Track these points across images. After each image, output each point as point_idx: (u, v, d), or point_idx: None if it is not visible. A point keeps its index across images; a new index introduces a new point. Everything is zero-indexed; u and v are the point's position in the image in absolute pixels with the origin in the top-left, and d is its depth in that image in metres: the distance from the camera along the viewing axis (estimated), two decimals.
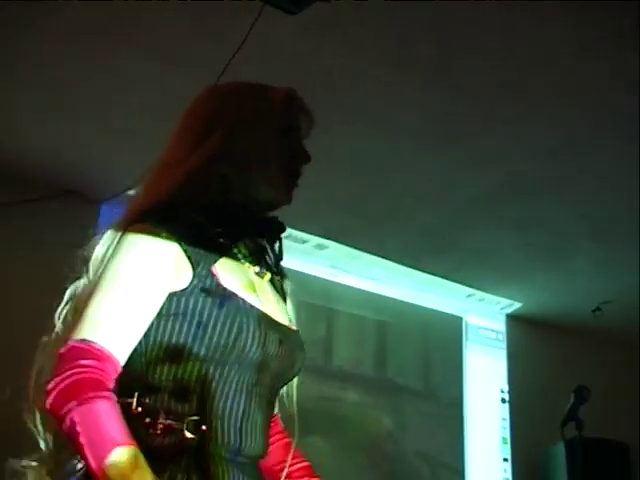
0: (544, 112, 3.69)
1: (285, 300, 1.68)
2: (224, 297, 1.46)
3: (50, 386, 1.32)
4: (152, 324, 1.44)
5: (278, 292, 1.66)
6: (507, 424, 6.10)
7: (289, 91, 1.67)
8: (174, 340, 1.45)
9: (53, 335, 1.53)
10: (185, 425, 1.40)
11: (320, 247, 5.13)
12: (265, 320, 1.49)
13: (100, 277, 1.45)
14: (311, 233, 4.94)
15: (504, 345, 6.30)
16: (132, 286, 1.42)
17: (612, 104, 3.59)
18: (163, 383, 1.44)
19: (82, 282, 1.54)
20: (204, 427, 1.41)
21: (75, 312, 1.50)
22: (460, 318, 6.15)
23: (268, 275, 1.63)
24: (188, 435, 1.40)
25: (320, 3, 2.74)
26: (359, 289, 5.47)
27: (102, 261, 1.50)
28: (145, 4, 2.97)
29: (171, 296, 1.45)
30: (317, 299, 5.29)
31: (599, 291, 5.67)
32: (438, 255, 5.25)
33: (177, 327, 1.45)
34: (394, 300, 5.76)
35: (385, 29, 3.11)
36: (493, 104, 3.65)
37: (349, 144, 3.99)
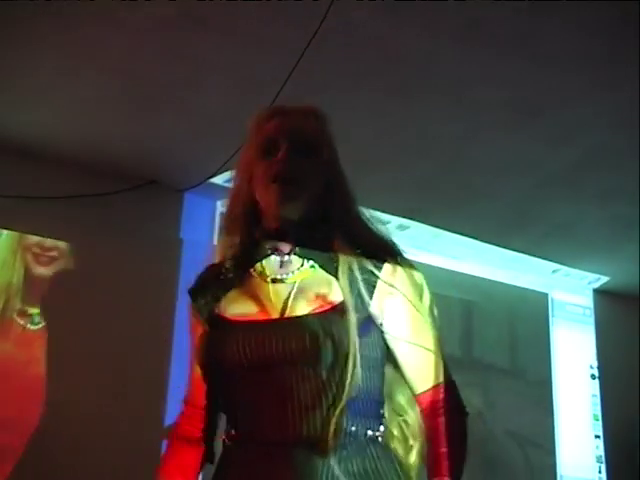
0: (628, 82, 3.61)
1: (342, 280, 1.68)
2: (218, 325, 1.69)
3: None
4: None
5: (324, 277, 1.69)
6: (598, 400, 6.02)
7: (259, 114, 1.78)
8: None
9: None
10: (231, 432, 1.67)
11: (402, 228, 5.12)
12: (242, 327, 1.65)
13: None
14: (392, 214, 4.94)
15: (592, 320, 6.20)
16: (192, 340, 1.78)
17: None
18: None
19: None
20: (239, 428, 1.65)
21: None
22: (546, 294, 6.08)
23: (293, 275, 1.70)
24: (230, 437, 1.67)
25: None
26: (442, 268, 5.46)
27: None
28: None
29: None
30: None
31: None
32: (521, 231, 5.20)
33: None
34: (478, 278, 5.73)
35: (461, 2, 3.08)
36: (574, 75, 3.59)
37: (429, 123, 3.99)
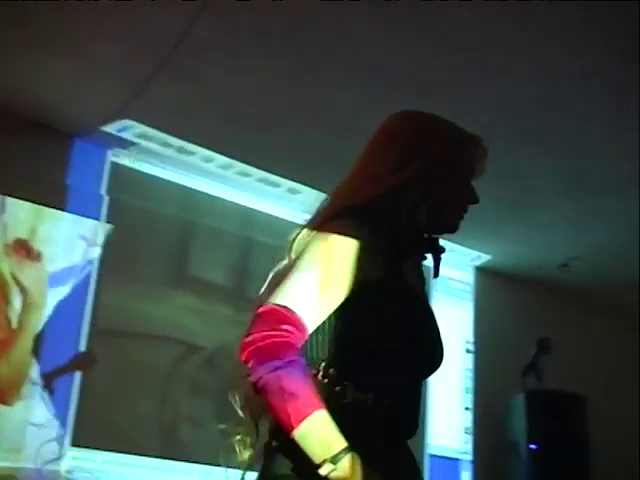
0: (519, 65, 3.69)
1: None
2: (408, 292, 1.69)
3: (248, 339, 1.47)
4: (343, 307, 1.59)
5: None
6: (470, 374, 6.19)
7: (479, 140, 1.86)
8: (363, 324, 1.61)
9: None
10: (368, 399, 1.57)
11: (292, 192, 5.14)
12: (431, 315, 1.72)
13: (300, 257, 1.62)
14: (284, 177, 4.95)
15: (471, 297, 6.36)
16: (329, 268, 1.57)
17: (588, 59, 3.61)
18: (350, 360, 1.60)
19: (283, 263, 1.72)
20: (386, 402, 1.58)
21: (275, 286, 1.62)
22: (428, 268, 6.18)
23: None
24: (374, 407, 1.57)
25: None
26: None
27: (303, 244, 1.67)
28: None
29: (362, 285, 1.59)
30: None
31: (568, 247, 5.73)
32: None
33: (367, 313, 1.61)
34: None
35: None
36: (472, 56, 3.65)
37: (328, 89, 3.99)
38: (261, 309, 1.52)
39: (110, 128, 4.49)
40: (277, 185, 5.05)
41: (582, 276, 6.16)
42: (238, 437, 1.68)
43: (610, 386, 6.25)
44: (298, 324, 1.50)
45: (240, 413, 1.67)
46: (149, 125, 4.47)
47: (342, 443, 1.42)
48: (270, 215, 5.31)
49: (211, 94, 4.09)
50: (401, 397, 1.64)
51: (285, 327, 1.48)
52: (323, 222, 1.67)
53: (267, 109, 4.19)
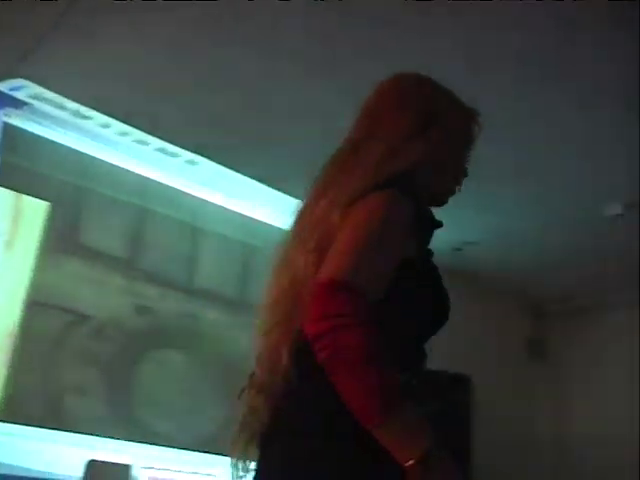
0: (433, 42, 3.72)
1: None
2: (438, 271, 1.70)
3: (320, 326, 1.37)
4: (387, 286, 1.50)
5: None
6: None
7: (478, 114, 1.87)
8: (410, 305, 1.57)
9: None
10: (407, 379, 1.49)
11: (191, 163, 5.08)
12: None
13: (352, 226, 1.51)
14: (183, 148, 4.88)
15: None
16: (384, 236, 1.50)
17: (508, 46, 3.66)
18: (395, 340, 1.47)
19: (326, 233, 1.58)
20: (414, 381, 1.56)
21: (319, 254, 1.54)
22: None
23: None
24: (410, 387, 1.50)
25: None
26: (227, 209, 5.46)
27: (342, 217, 1.56)
28: None
29: (405, 260, 1.55)
30: (185, 216, 5.27)
31: (464, 231, 5.84)
32: (307, 181, 5.25)
33: (414, 292, 1.57)
34: (262, 223, 5.76)
35: None
36: (377, 29, 3.66)
37: (227, 59, 3.95)
38: (324, 288, 1.41)
39: (2, 86, 4.34)
40: (176, 155, 4.98)
41: (475, 261, 6.30)
42: (243, 428, 1.65)
43: (494, 368, 6.43)
44: (366, 300, 1.40)
45: (256, 400, 1.63)
46: (44, 86, 4.33)
47: (431, 437, 1.37)
48: (167, 186, 5.23)
49: (111, 58, 3.99)
50: (421, 374, 1.65)
51: (357, 306, 1.38)
52: (360, 195, 1.58)
53: (167, 77, 4.12)
